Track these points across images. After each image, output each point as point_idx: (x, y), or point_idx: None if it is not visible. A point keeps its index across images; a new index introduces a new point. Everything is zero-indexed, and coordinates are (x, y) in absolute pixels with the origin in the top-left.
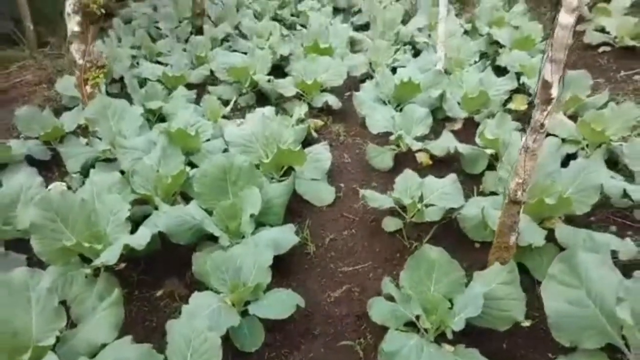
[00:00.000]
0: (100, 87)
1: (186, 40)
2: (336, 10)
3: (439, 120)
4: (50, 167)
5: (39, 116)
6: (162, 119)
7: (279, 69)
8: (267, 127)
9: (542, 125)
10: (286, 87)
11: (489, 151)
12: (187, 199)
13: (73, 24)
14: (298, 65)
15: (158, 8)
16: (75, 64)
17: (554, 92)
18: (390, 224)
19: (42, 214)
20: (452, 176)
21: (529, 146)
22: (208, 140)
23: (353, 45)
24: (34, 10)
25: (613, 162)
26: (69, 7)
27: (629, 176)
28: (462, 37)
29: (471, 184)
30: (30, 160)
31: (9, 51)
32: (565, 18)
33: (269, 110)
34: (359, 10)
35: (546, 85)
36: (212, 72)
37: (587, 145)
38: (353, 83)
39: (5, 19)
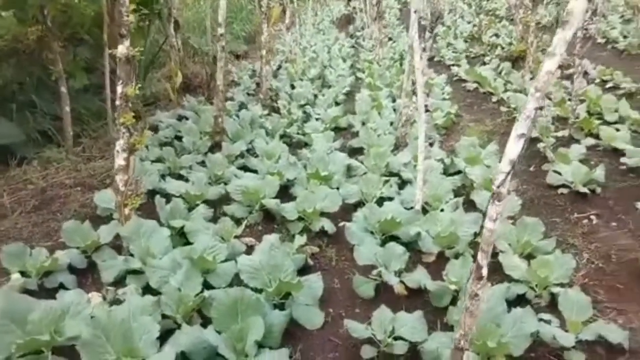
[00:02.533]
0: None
1: (206, 154)
2: (337, 130)
3: (417, 251)
4: (86, 275)
5: (80, 229)
6: (182, 234)
7: (285, 190)
8: (272, 258)
9: (476, 294)
10: (290, 211)
11: (453, 287)
12: (202, 315)
13: (120, 160)
14: (301, 192)
15: (182, 119)
16: (118, 190)
17: (484, 272)
18: (368, 351)
19: (92, 332)
20: (419, 313)
21: (467, 307)
22: (223, 262)
23: (350, 170)
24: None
25: (556, 305)
26: (118, 146)
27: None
28: (440, 175)
29: (437, 316)
30: (70, 268)
31: (48, 151)
32: (490, 224)
33: (274, 238)
34: (357, 133)
35: (478, 267)
36: (227, 191)
37: (536, 285)
38: (348, 208)
39: (45, 118)
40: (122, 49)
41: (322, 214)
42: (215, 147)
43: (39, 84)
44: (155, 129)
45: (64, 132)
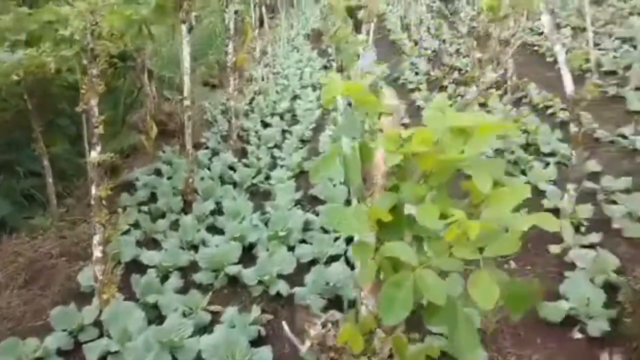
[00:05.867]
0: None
1: (179, 213)
2: (301, 174)
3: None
4: (73, 355)
5: (66, 313)
6: (155, 306)
7: (250, 250)
8: (229, 336)
9: None
10: (250, 277)
11: None
12: None
13: (97, 252)
14: (261, 254)
15: (159, 174)
16: (97, 279)
17: None
18: None
19: None
20: None
21: None
22: (190, 336)
23: (307, 224)
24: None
25: None
26: (95, 240)
27: None
28: None
29: None
30: (59, 351)
31: (35, 218)
32: None
33: (233, 311)
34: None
35: None
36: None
37: None
38: (303, 267)
39: (28, 178)
40: (94, 155)
41: (279, 276)
42: (187, 206)
43: (19, 147)
44: (132, 186)
45: (47, 196)
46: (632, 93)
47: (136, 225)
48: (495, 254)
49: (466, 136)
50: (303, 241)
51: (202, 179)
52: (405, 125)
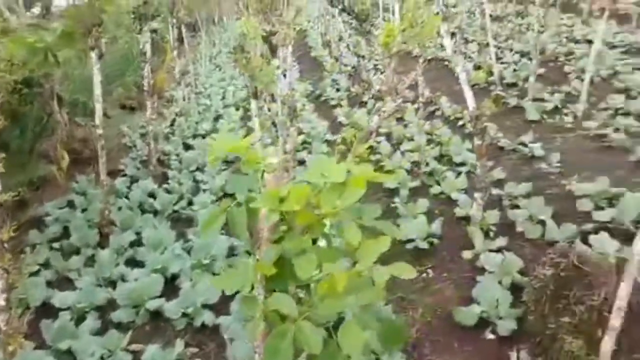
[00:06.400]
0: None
1: (95, 247)
2: (225, 196)
3: None
4: None
5: None
6: (69, 352)
7: (172, 281)
8: None
9: None
10: (172, 310)
11: None
12: None
13: (0, 300)
14: (185, 285)
15: (72, 206)
16: (0, 330)
17: None
18: None
19: None
20: None
21: None
22: None
23: (232, 250)
24: None
25: None
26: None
27: None
28: None
29: None
30: None
31: None
32: None
33: (155, 348)
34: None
35: None
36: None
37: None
38: (228, 296)
39: None
40: None
41: (204, 306)
42: (104, 239)
43: None
44: (42, 222)
45: None
46: (529, 104)
47: (47, 264)
48: (363, 303)
49: (342, 189)
50: (229, 267)
51: (120, 208)
52: (328, 142)
